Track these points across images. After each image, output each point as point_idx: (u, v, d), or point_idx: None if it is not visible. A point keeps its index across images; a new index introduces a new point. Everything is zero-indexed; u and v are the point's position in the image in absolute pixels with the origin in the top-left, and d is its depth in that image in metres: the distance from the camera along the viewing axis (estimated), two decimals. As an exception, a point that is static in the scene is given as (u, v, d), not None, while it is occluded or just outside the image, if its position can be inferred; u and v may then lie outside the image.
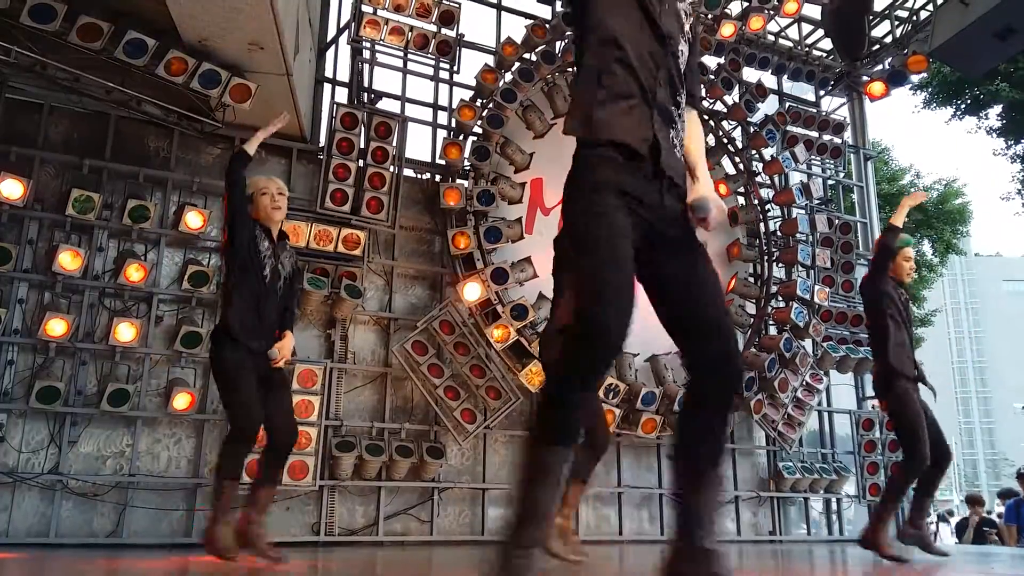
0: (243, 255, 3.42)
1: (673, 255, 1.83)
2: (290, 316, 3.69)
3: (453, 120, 6.10)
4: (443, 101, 6.30)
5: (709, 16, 7.13)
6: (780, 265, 7.20)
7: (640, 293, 1.78)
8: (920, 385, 4.25)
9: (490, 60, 6.37)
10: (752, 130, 7.27)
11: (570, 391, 1.73)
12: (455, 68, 6.23)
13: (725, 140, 7.29)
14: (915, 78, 8.32)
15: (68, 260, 4.67)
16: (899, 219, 4.30)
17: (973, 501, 8.84)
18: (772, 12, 7.48)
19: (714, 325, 1.77)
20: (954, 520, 11.33)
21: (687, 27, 1.99)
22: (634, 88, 1.83)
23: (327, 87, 6.08)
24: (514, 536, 1.68)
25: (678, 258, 1.83)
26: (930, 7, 7.82)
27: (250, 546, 3.29)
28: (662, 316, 1.84)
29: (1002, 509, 8.66)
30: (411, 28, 5.97)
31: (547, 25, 6.46)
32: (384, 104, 6.00)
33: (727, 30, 7.11)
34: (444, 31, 6.07)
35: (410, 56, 6.12)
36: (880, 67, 8.23)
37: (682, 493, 1.75)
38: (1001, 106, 12.04)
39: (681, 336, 1.81)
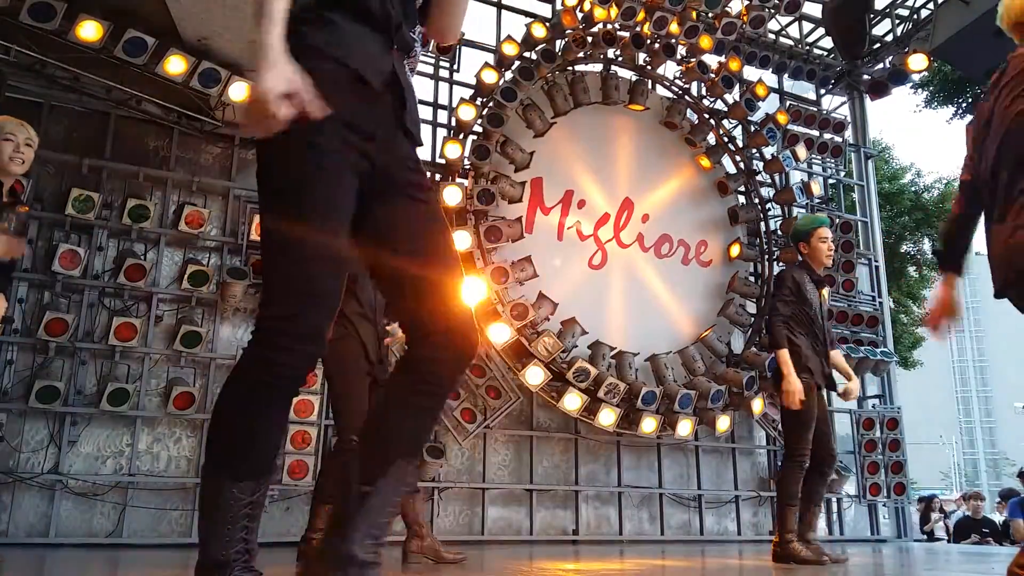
0: None
1: (399, 202, 1.48)
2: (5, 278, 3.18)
3: (453, 119, 6.10)
4: (443, 100, 6.30)
5: (710, 15, 7.11)
6: (781, 264, 7.18)
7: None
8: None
9: (490, 58, 6.36)
10: (752, 129, 7.26)
11: None
12: (455, 66, 6.22)
13: (726, 139, 7.28)
14: (916, 77, 8.31)
15: (68, 260, 4.66)
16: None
17: (971, 497, 8.86)
18: (772, 11, 7.47)
19: (441, 286, 1.45)
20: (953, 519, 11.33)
21: None
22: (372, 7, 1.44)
23: (327, 86, 6.06)
24: None
25: (404, 206, 1.48)
26: (931, 6, 7.80)
27: None
28: (378, 274, 1.51)
29: (1004, 510, 8.66)
30: (411, 27, 5.96)
31: (547, 23, 6.45)
32: (384, 103, 5.99)
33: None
34: (444, 30, 6.06)
35: (410, 55, 6.11)
36: (881, 66, 8.22)
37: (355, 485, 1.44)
38: (1002, 105, 12.00)
39: (401, 297, 1.48)
